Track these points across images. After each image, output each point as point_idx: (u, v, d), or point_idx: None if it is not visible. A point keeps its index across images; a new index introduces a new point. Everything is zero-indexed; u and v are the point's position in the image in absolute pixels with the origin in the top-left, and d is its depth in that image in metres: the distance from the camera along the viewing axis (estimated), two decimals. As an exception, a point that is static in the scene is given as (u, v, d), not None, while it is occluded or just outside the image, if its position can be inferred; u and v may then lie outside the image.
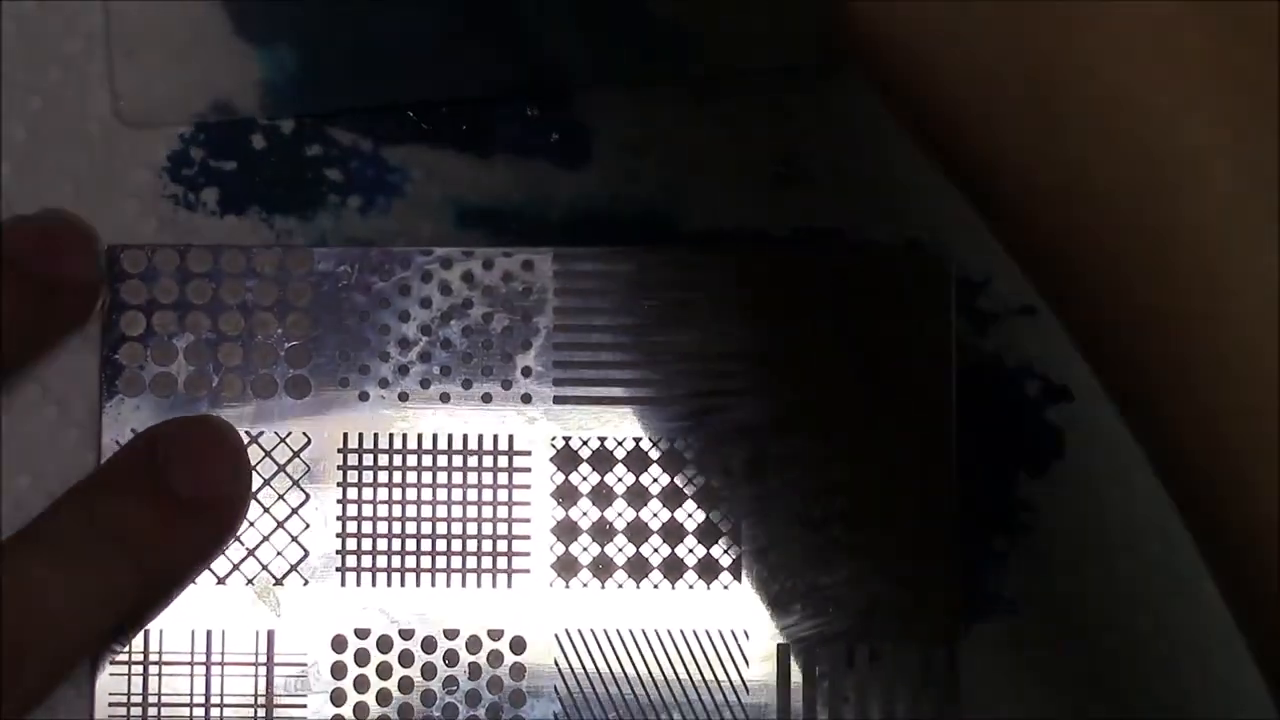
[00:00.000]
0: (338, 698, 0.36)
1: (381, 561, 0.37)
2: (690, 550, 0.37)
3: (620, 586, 0.37)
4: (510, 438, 0.37)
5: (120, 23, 0.38)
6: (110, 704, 0.36)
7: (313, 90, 0.38)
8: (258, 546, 0.36)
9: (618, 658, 0.37)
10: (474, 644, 0.37)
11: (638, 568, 0.37)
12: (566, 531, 0.37)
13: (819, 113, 0.38)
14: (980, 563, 0.38)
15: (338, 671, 0.36)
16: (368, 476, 0.37)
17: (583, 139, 0.38)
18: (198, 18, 0.38)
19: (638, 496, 0.37)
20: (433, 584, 0.37)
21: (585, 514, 0.37)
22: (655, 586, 0.37)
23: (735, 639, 0.37)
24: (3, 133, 0.38)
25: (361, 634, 0.36)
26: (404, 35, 0.38)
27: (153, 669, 0.36)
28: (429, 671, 0.36)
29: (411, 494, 0.37)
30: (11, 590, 0.32)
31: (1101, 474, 0.38)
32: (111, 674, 0.36)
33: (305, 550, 0.37)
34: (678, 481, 0.37)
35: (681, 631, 0.37)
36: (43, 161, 0.38)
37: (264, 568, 0.36)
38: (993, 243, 0.38)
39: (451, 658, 0.37)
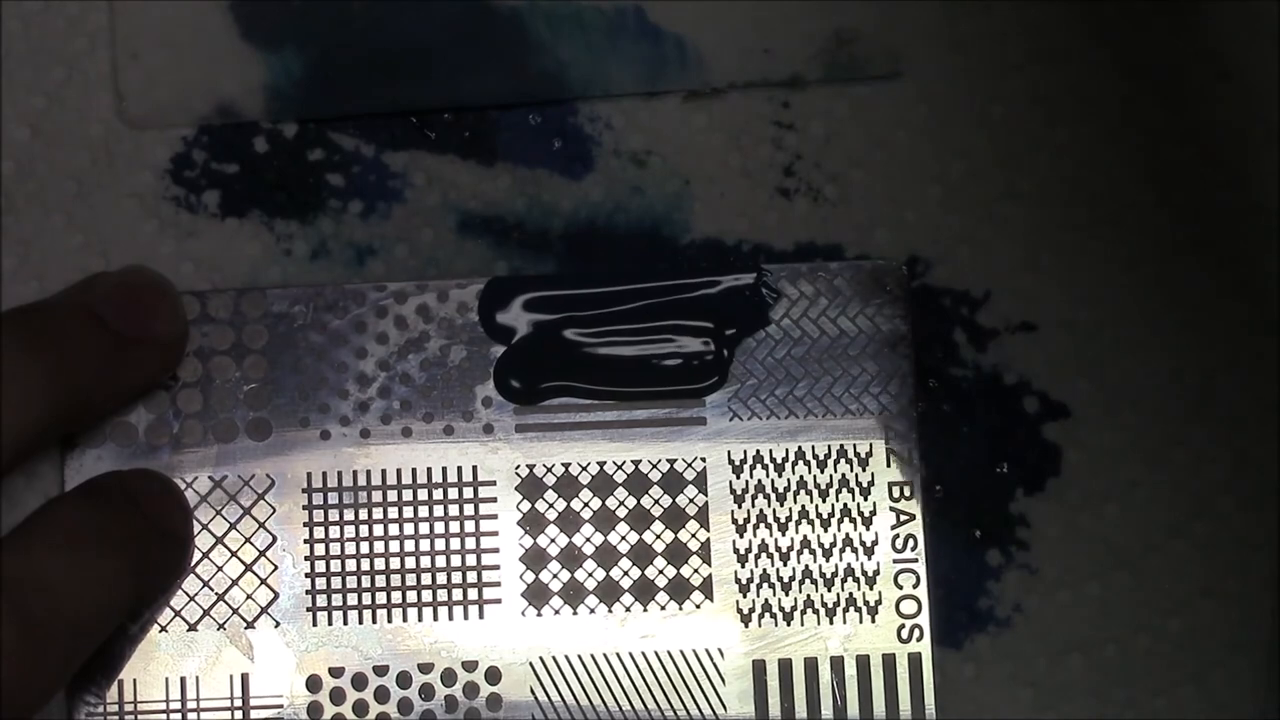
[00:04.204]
0: (315, 738, 0.36)
1: (352, 599, 0.37)
2: (660, 571, 0.37)
3: (592, 611, 0.37)
4: (474, 468, 0.37)
5: (125, 23, 0.38)
6: (88, 756, 0.36)
7: (317, 95, 0.38)
8: (227, 591, 0.36)
9: (593, 683, 0.37)
10: (449, 677, 0.37)
11: (609, 592, 0.37)
12: (535, 559, 0.37)
13: (822, 126, 0.38)
14: (976, 577, 0.38)
15: (314, 711, 0.36)
16: (334, 515, 0.37)
17: (585, 148, 0.38)
18: (203, 20, 0.38)
19: (605, 520, 0.37)
20: (404, 619, 0.37)
21: (553, 541, 0.37)
22: (627, 609, 0.37)
23: (710, 657, 0.37)
24: (6, 132, 0.38)
25: (336, 673, 0.36)
26: (409, 42, 0.38)
27: (129, 719, 0.36)
28: (405, 707, 0.36)
29: (378, 530, 0.37)
30: (19, 579, 0.32)
31: (1099, 491, 0.38)
32: (87, 726, 0.36)
33: (275, 592, 0.37)
34: (644, 503, 0.37)
35: (655, 653, 0.37)
36: (45, 161, 0.38)
37: (234, 612, 0.36)
38: (993, 259, 0.38)
39: (427, 691, 0.37)
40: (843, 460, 0.37)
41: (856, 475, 0.37)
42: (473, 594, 0.37)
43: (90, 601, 0.33)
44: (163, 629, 0.36)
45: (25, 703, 0.32)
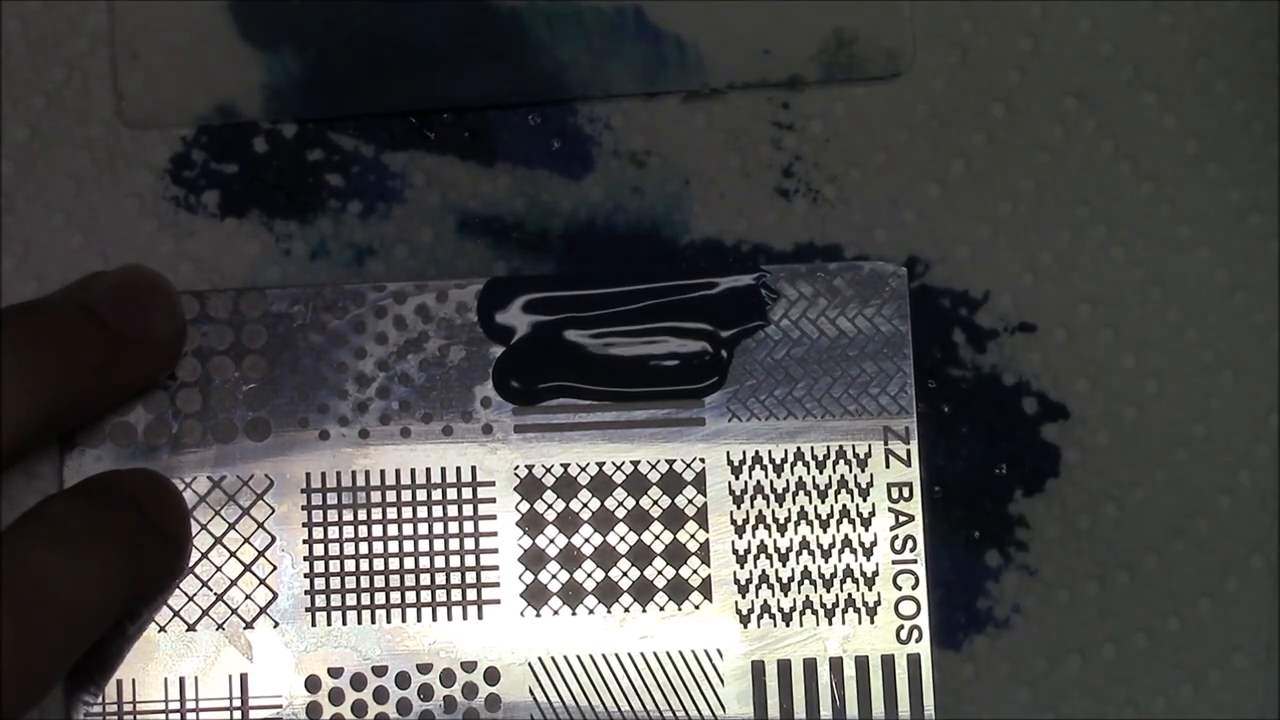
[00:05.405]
0: (314, 738, 0.36)
1: (351, 600, 0.37)
2: (659, 572, 0.37)
3: (591, 612, 0.37)
4: (473, 469, 0.37)
5: (124, 23, 0.38)
6: (87, 756, 0.36)
7: (316, 95, 0.38)
8: (226, 591, 0.36)
9: (592, 684, 0.37)
10: (448, 677, 0.37)
11: (608, 592, 0.37)
12: (534, 560, 0.37)
13: (821, 126, 0.38)
14: (975, 578, 0.38)
15: (313, 712, 0.36)
16: (332, 515, 0.37)
17: (585, 148, 0.38)
18: (202, 20, 0.38)
19: (604, 521, 0.37)
20: (403, 619, 0.37)
21: (552, 541, 0.37)
22: (626, 610, 0.37)
23: (709, 658, 0.37)
24: (6, 132, 0.38)
25: (334, 673, 0.36)
26: (408, 41, 0.38)
27: (127, 719, 0.36)
28: (404, 707, 0.36)
29: (377, 530, 0.37)
30: (15, 575, 0.32)
31: (1097, 491, 0.38)
32: (86, 726, 0.36)
33: (274, 592, 0.37)
34: (643, 504, 0.37)
35: (654, 654, 0.37)
36: (45, 161, 0.38)
37: (233, 612, 0.36)
38: (993, 259, 0.38)
39: (426, 692, 0.37)
40: (842, 461, 0.37)
41: (855, 476, 0.37)
42: (472, 594, 0.37)
43: (86, 597, 0.33)
44: (161, 629, 0.36)
45: (20, 698, 0.32)
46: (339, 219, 0.38)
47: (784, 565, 0.37)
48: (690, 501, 0.37)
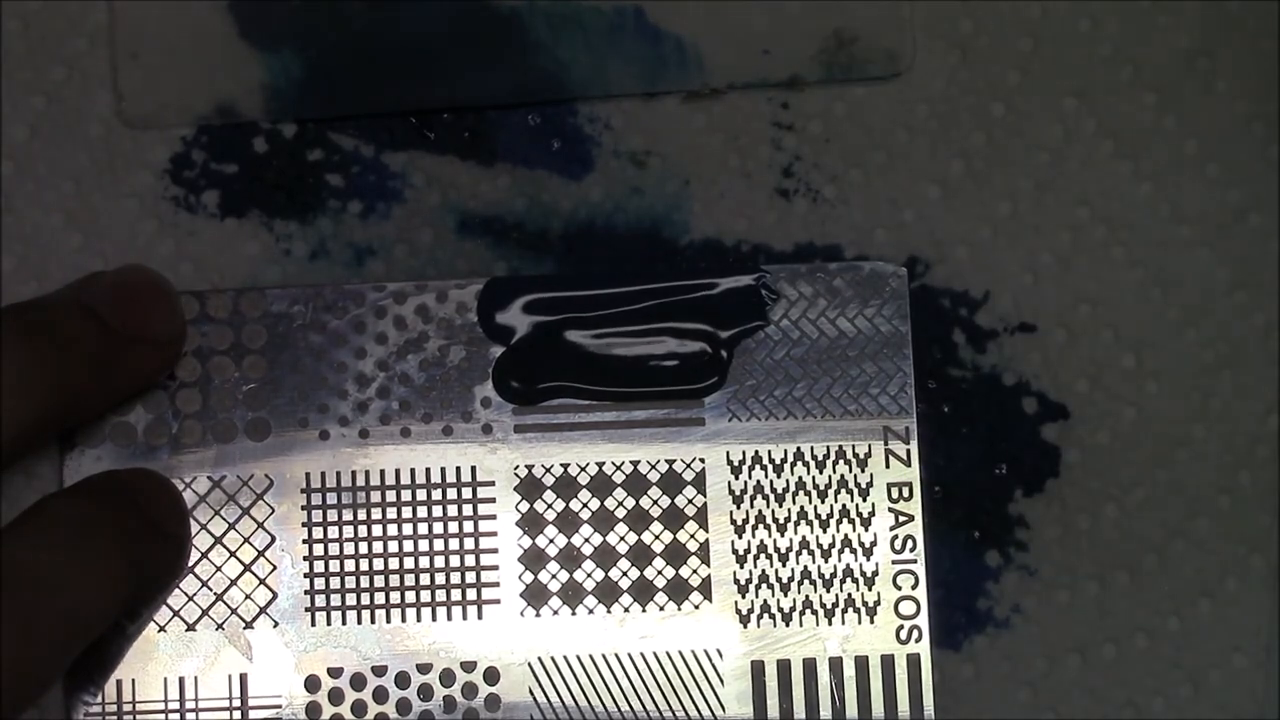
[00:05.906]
0: (314, 738, 0.36)
1: (351, 599, 0.37)
2: (659, 572, 0.37)
3: (591, 612, 0.37)
4: (473, 469, 0.37)
5: (124, 23, 0.38)
6: (87, 756, 0.36)
7: (316, 95, 0.38)
8: (226, 591, 0.36)
9: (592, 684, 0.37)
10: (447, 677, 0.37)
11: (607, 592, 0.37)
12: (534, 560, 0.37)
13: (821, 126, 0.38)
14: (975, 578, 0.38)
15: (312, 711, 0.36)
16: (332, 515, 0.37)
17: (585, 148, 0.38)
18: (202, 20, 0.38)
19: (603, 521, 0.37)
20: (403, 619, 0.37)
21: (552, 541, 0.37)
22: (626, 610, 0.37)
23: (709, 658, 0.37)
24: (5, 132, 0.38)
25: (334, 673, 0.36)
26: (409, 42, 0.38)
27: (126, 719, 0.36)
28: (404, 707, 0.36)
29: (377, 530, 0.37)
30: (15, 575, 0.32)
31: (1097, 492, 0.38)
32: (86, 726, 0.36)
33: (274, 592, 0.37)
34: (643, 504, 0.37)
35: (654, 654, 0.37)
36: (44, 161, 0.38)
37: (233, 612, 0.36)
38: (993, 259, 0.38)
39: (426, 692, 0.37)
40: (841, 461, 0.37)
41: (855, 476, 0.37)
42: (471, 594, 0.37)
43: (86, 597, 0.33)
44: (161, 629, 0.36)
45: (19, 697, 0.32)
46: (339, 219, 0.38)
47: (784, 565, 0.37)
48: (690, 501, 0.37)
